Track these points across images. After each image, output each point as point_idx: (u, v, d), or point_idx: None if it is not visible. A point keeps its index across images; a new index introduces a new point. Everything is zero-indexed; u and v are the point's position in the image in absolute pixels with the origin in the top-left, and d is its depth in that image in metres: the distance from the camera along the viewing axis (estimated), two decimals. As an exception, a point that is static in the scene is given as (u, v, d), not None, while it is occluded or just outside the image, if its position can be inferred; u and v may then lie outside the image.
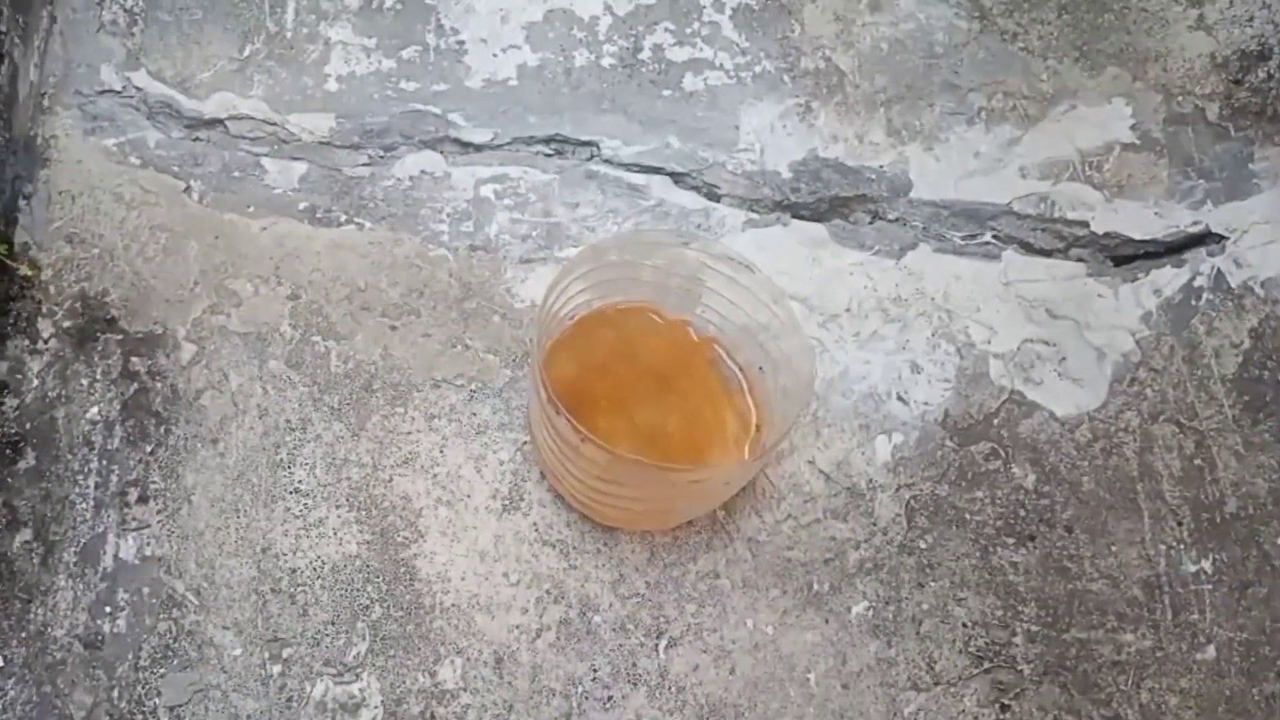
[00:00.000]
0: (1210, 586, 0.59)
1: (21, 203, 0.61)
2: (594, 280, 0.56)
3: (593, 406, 0.55)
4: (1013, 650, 0.58)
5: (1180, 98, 0.69)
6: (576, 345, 0.57)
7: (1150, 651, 0.58)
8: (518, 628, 0.56)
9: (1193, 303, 0.65)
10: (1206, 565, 0.60)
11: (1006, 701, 0.57)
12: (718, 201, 0.65)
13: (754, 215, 0.65)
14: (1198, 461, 0.62)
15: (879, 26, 0.69)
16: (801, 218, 0.65)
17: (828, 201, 0.65)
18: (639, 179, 0.65)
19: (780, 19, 0.68)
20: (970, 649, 0.58)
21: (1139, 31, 0.70)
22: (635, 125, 0.66)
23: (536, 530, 0.58)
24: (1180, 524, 0.61)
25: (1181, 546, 0.60)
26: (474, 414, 0.60)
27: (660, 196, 0.65)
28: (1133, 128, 0.68)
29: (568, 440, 0.50)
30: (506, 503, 0.58)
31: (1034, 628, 0.58)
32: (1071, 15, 0.70)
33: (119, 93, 0.64)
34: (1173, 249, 0.66)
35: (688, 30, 0.68)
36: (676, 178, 0.65)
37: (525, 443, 0.59)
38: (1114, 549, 0.60)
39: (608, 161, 0.65)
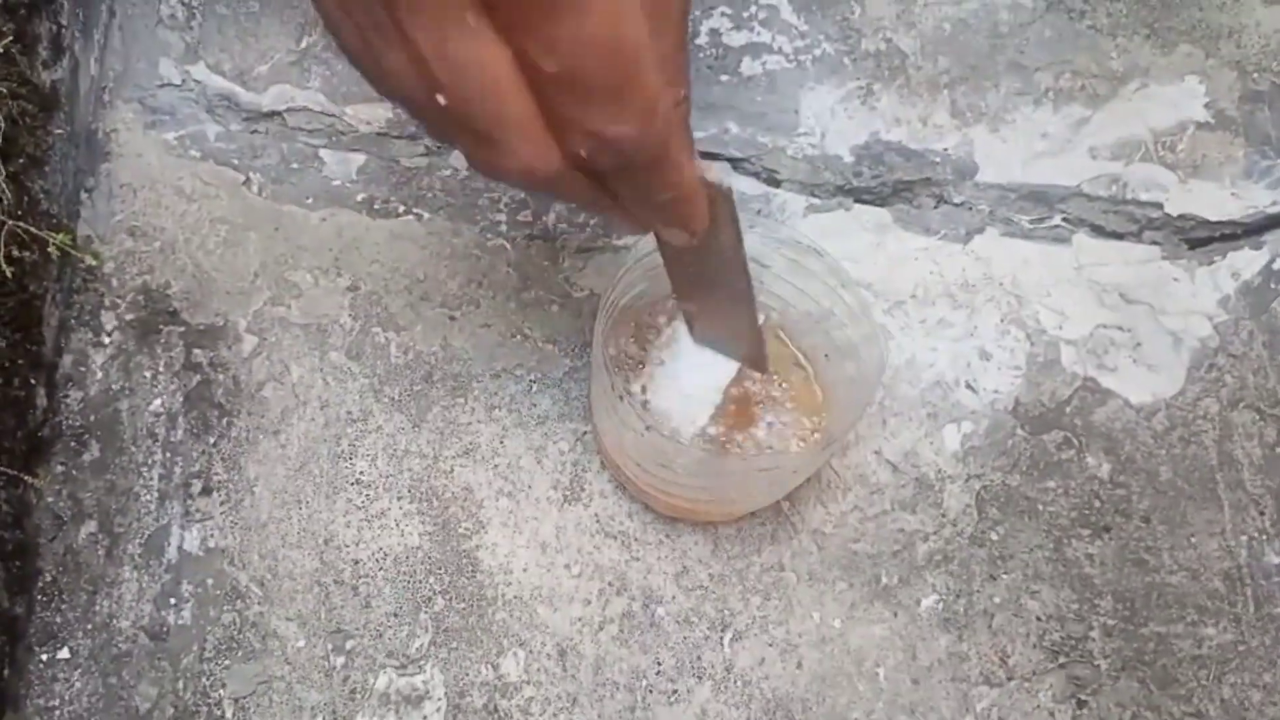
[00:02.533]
0: (1296, 579, 0.57)
1: (83, 196, 0.61)
2: (656, 266, 0.55)
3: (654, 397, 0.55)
4: (1089, 645, 0.56)
5: (1256, 74, 0.66)
6: (640, 333, 0.57)
7: (1232, 645, 0.56)
8: (580, 620, 0.55)
9: (1272, 286, 0.63)
10: (1291, 557, 0.58)
11: (1083, 697, 0.55)
12: (778, 187, 0.64)
13: (815, 200, 0.64)
14: (1279, 450, 0.60)
15: (941, 6, 0.67)
16: (864, 202, 0.64)
17: (891, 185, 0.64)
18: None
19: (840, 1, 0.67)
20: (1045, 643, 0.56)
21: (1211, 7, 0.68)
22: (693, 111, 0.64)
23: (598, 521, 0.57)
24: (1262, 514, 0.59)
25: (1264, 537, 0.58)
26: (534, 404, 0.59)
27: (719, 183, 0.64)
28: (1206, 106, 0.66)
29: (631, 429, 0.50)
30: (567, 494, 0.57)
31: (1111, 621, 0.56)
32: (1141, -9, 0.68)
33: (178, 86, 0.64)
34: (1251, 230, 0.64)
35: (745, 14, 0.67)
36: (735, 163, 0.64)
37: (585, 433, 0.58)
38: (1193, 540, 0.58)
39: (666, 148, 0.64)
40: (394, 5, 0.32)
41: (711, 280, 0.47)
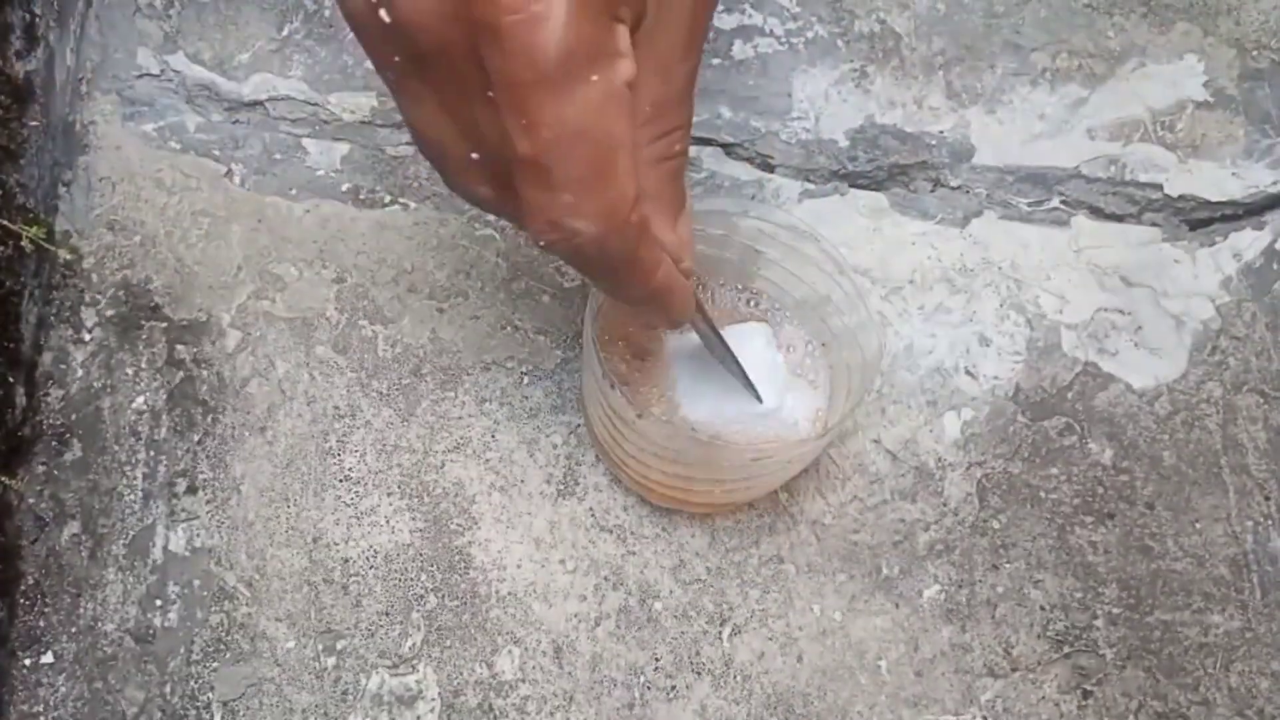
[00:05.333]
0: (1302, 564, 0.57)
1: (61, 189, 0.60)
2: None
3: (646, 382, 0.53)
4: (1094, 634, 0.55)
5: (1255, 52, 0.65)
6: (625, 322, 0.55)
7: (1239, 633, 0.55)
8: (576, 616, 0.54)
9: (1275, 266, 0.62)
10: (1298, 541, 0.57)
11: (1089, 687, 0.54)
12: (771, 172, 0.63)
13: (810, 185, 0.63)
14: (1285, 433, 0.59)
15: (936, -14, 0.66)
16: (860, 187, 0.63)
17: (887, 169, 0.63)
18: (689, 151, 0.62)
19: (832, -18, 0.66)
20: (1049, 633, 0.55)
21: (1208, -16, 0.67)
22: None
23: (593, 515, 0.56)
24: (1268, 498, 0.58)
25: (1269, 522, 0.57)
26: (526, 397, 0.58)
27: (712, 169, 0.63)
28: (1205, 85, 0.65)
29: (623, 417, 0.48)
30: (561, 487, 0.56)
31: (1116, 610, 0.56)
32: (1138, -31, 0.67)
33: (157, 76, 0.62)
34: (1252, 210, 0.63)
35: (736, -4, 0.65)
36: (728, 149, 0.63)
37: (579, 425, 0.57)
38: (1198, 526, 0.57)
39: (657, 134, 0.63)
40: (417, 65, 0.33)
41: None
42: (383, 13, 0.30)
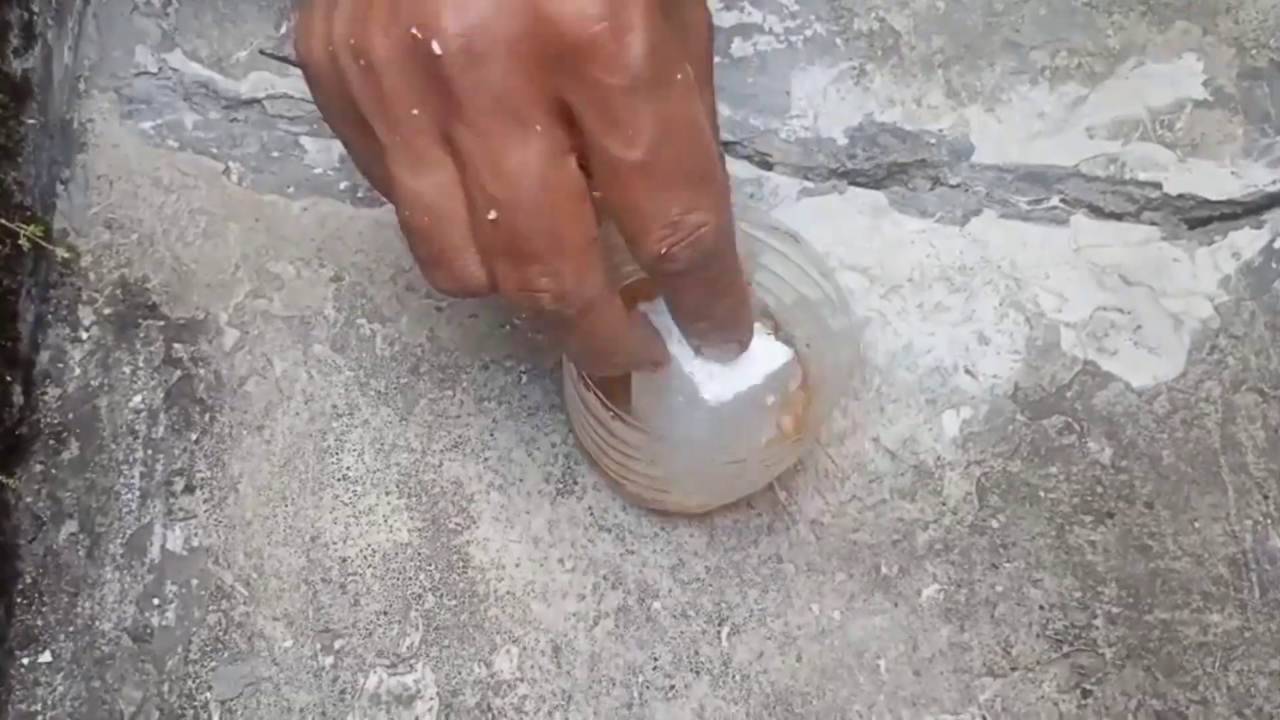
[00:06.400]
0: (1301, 563, 0.57)
1: (59, 188, 0.59)
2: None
3: (627, 383, 0.53)
4: (1093, 633, 0.55)
5: (1254, 51, 0.65)
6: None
7: (1238, 632, 0.55)
8: (575, 615, 0.54)
9: (1274, 265, 0.62)
10: (1297, 541, 0.57)
11: (1088, 687, 0.54)
12: (770, 170, 0.63)
13: (809, 184, 0.63)
14: (1284, 432, 0.59)
15: (935, -15, 0.66)
16: (859, 185, 0.63)
17: (886, 168, 0.63)
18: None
19: (831, -20, 0.66)
20: (1048, 632, 0.55)
21: (1208, -17, 0.67)
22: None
23: (591, 514, 0.56)
24: (1266, 497, 0.58)
25: (1269, 521, 0.57)
26: (525, 395, 0.58)
27: (711, 167, 0.63)
28: (1205, 84, 0.65)
29: (599, 418, 0.48)
30: (560, 486, 0.56)
31: (1115, 609, 0.56)
32: (1138, -33, 0.67)
33: (154, 74, 0.62)
34: (1251, 209, 0.63)
35: (735, -5, 0.65)
36: (727, 146, 0.63)
37: (577, 424, 0.57)
38: (1197, 525, 0.57)
39: (656, 132, 0.62)
40: (453, 114, 0.31)
41: None
42: (435, 45, 0.29)
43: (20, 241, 0.54)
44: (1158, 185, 0.63)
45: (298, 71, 0.62)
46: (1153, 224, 0.63)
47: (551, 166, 0.31)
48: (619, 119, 0.30)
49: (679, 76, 0.31)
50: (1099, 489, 0.58)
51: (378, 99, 0.31)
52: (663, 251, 0.33)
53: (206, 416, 0.57)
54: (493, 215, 0.31)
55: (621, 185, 0.31)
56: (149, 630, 0.53)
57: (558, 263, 0.32)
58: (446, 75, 0.30)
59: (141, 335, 0.58)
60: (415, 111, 0.31)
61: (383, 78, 0.31)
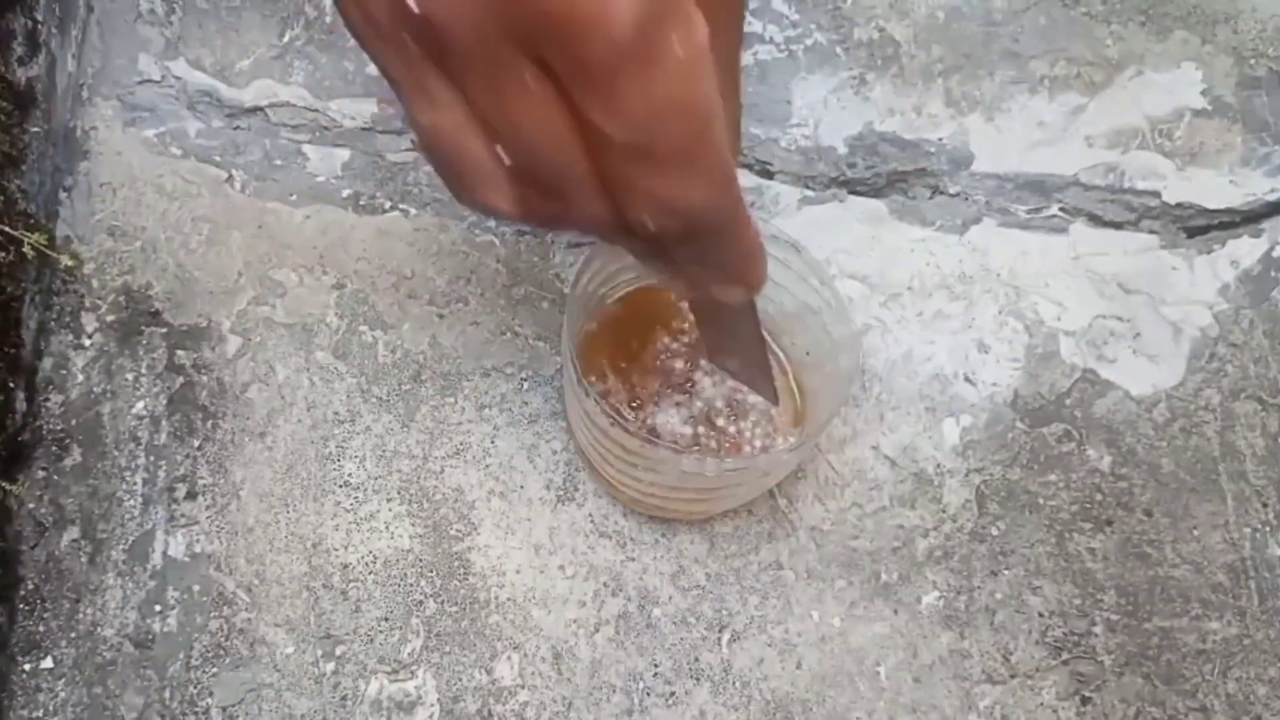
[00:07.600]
0: (1300, 571, 0.57)
1: (62, 195, 0.60)
2: (633, 259, 0.54)
3: (629, 391, 0.53)
4: (1092, 640, 0.55)
5: (1253, 60, 0.66)
6: (613, 327, 0.55)
7: (1237, 639, 0.56)
8: (575, 622, 0.54)
9: (1273, 274, 0.62)
10: (1295, 548, 0.57)
11: (1087, 694, 0.54)
12: (771, 179, 0.63)
13: (809, 192, 0.63)
14: (1283, 440, 0.59)
15: (935, -6, 0.66)
16: (859, 194, 0.63)
17: (886, 176, 0.63)
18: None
19: (832, -11, 0.66)
20: (1047, 639, 0.55)
21: (1206, -7, 0.67)
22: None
23: (592, 521, 0.56)
24: (1265, 505, 0.58)
25: (1267, 529, 0.57)
26: (525, 403, 0.58)
27: (711, 176, 0.63)
28: (1204, 93, 0.65)
29: (599, 425, 0.48)
30: (561, 493, 0.56)
31: (1114, 616, 0.56)
32: (1137, -23, 0.67)
33: (158, 82, 0.62)
34: (1250, 218, 0.63)
35: (736, 4, 0.65)
36: (728, 156, 0.63)
37: (578, 432, 0.57)
38: (1196, 533, 0.57)
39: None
40: (446, 65, 0.30)
41: (744, 331, 0.46)
42: (411, 3, 0.28)
43: (24, 249, 0.54)
44: (1157, 194, 0.63)
45: (301, 79, 0.63)
46: (1152, 232, 0.63)
47: (549, 114, 0.29)
48: (604, 92, 0.28)
49: (674, 41, 0.28)
50: (1098, 497, 0.58)
51: (378, 45, 0.31)
52: (648, 224, 0.32)
53: (209, 423, 0.57)
54: (506, 160, 0.31)
55: (604, 157, 0.30)
56: (151, 636, 0.53)
57: (576, 197, 0.31)
58: (428, 37, 0.29)
59: (144, 342, 0.58)
60: (415, 57, 0.30)
61: (369, 29, 0.30)
